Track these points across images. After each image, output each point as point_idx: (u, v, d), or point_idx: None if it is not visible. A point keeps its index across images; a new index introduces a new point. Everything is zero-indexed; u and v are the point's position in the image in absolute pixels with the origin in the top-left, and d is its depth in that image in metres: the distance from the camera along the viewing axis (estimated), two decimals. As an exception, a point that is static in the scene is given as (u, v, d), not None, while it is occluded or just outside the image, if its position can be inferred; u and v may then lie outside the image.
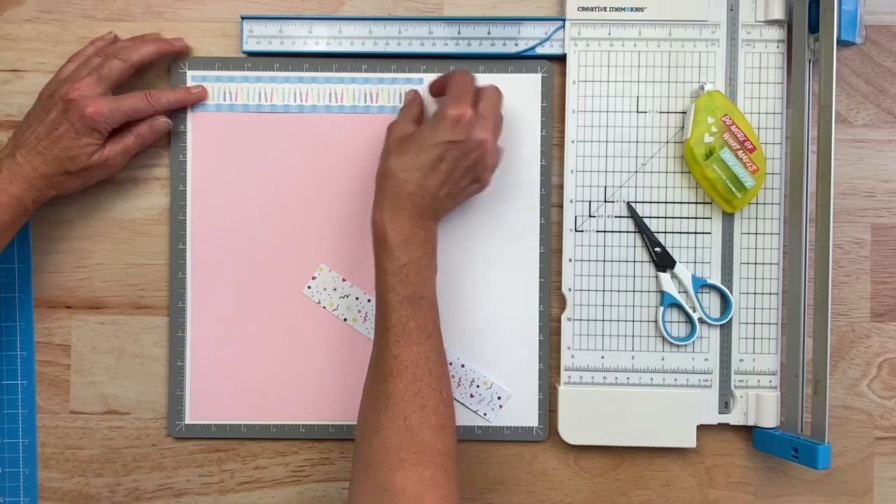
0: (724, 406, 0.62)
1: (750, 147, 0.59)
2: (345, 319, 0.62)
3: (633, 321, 0.62)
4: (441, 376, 0.53)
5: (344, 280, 0.62)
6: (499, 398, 0.62)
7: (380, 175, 0.56)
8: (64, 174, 0.57)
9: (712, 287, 0.61)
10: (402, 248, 0.54)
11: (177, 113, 0.62)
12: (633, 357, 0.62)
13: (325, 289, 0.62)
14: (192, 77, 0.62)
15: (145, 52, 0.59)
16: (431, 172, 0.55)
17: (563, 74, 0.62)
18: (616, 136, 0.62)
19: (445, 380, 0.54)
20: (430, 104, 0.62)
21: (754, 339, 0.61)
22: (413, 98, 0.61)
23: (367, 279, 0.62)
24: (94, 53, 0.60)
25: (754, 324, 0.61)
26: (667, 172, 0.61)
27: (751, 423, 0.61)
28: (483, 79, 0.62)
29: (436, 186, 0.55)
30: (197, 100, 0.62)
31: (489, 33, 0.61)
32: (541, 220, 0.62)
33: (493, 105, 0.57)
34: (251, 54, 0.62)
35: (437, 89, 0.60)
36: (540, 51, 0.61)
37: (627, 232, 0.62)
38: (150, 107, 0.59)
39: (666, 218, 0.61)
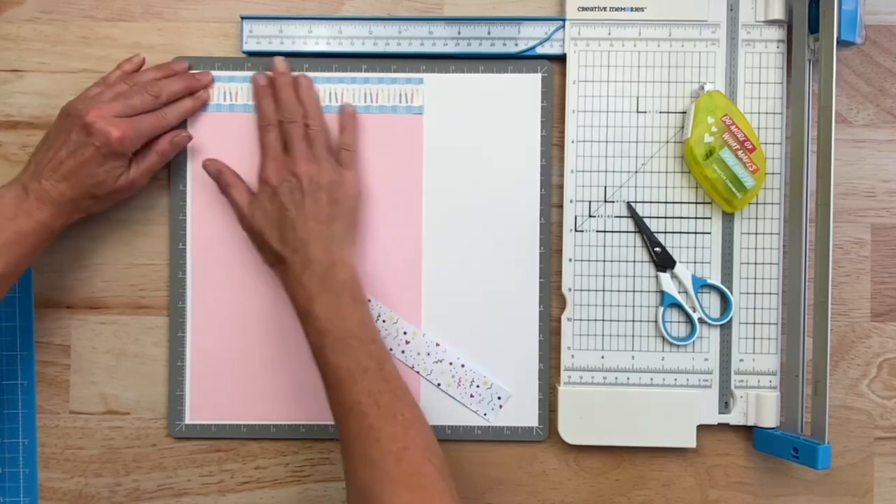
0: (724, 406, 0.62)
1: (750, 147, 0.59)
2: (345, 319, 0.62)
3: (633, 321, 0.62)
4: (391, 403, 0.53)
5: (344, 280, 0.62)
6: (499, 398, 0.62)
7: (276, 264, 0.59)
8: (91, 198, 0.57)
9: (712, 287, 0.61)
10: (313, 307, 0.55)
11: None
12: (633, 357, 0.62)
13: (325, 289, 0.62)
14: (192, 77, 0.62)
15: (175, 90, 0.59)
16: (302, 221, 0.57)
17: (563, 74, 0.62)
18: (616, 136, 0.62)
19: (400, 403, 0.53)
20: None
21: (754, 339, 0.61)
22: (225, 180, 0.61)
23: (367, 279, 0.62)
24: (121, 79, 0.59)
25: (754, 324, 0.61)
26: (667, 172, 0.61)
27: (751, 423, 0.61)
28: (483, 79, 0.62)
29: (316, 227, 0.57)
30: (202, 104, 0.61)
31: (489, 33, 0.61)
32: (541, 220, 0.62)
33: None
34: (251, 54, 0.62)
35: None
36: (540, 51, 0.61)
37: (627, 232, 0.62)
38: (167, 123, 0.59)
39: (666, 218, 0.61)
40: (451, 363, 0.62)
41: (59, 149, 0.56)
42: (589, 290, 0.62)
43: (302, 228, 0.56)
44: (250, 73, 0.62)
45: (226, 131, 0.62)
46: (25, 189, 0.55)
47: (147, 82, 0.59)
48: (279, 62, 0.60)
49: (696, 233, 0.62)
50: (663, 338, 0.61)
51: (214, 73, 0.62)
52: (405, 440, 0.51)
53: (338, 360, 0.54)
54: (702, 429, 0.61)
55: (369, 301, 0.62)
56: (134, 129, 0.57)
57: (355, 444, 0.52)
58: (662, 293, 0.61)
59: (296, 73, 0.61)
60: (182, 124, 0.62)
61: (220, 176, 0.61)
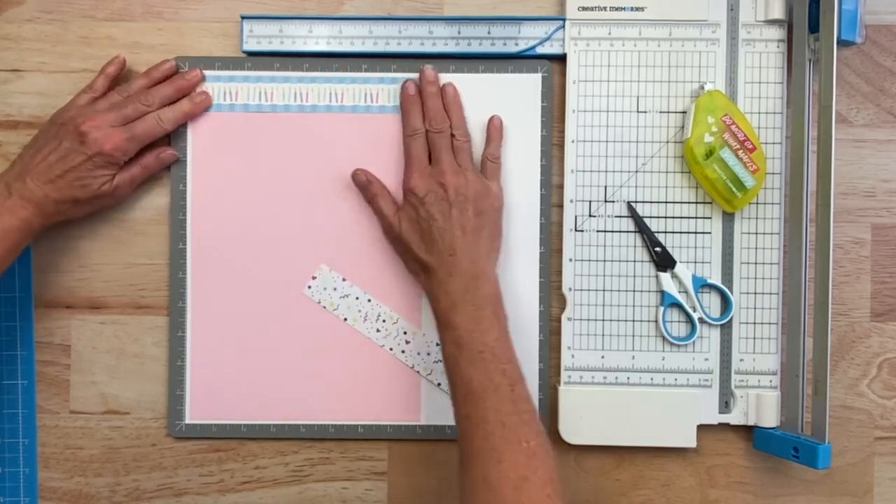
0: (725, 406, 0.62)
1: (750, 147, 0.59)
2: (345, 319, 0.62)
3: (634, 321, 0.62)
4: (517, 426, 0.51)
5: (344, 280, 0.62)
6: None
7: (420, 271, 0.59)
8: (73, 202, 0.58)
9: (712, 287, 0.61)
10: (453, 316, 0.55)
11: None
12: (633, 357, 0.62)
13: (325, 289, 0.62)
14: (192, 77, 0.62)
15: (167, 95, 0.60)
16: (449, 232, 0.57)
17: (563, 74, 0.62)
18: (616, 136, 0.62)
19: (527, 428, 0.51)
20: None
21: (754, 338, 0.61)
22: (371, 189, 0.61)
23: (367, 279, 0.62)
24: (106, 84, 0.60)
25: (754, 324, 0.61)
26: (667, 172, 0.61)
27: (751, 422, 0.61)
28: (483, 79, 0.62)
29: (463, 238, 0.57)
30: (203, 108, 0.61)
31: (489, 33, 0.61)
32: (541, 220, 0.62)
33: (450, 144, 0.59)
34: (251, 54, 0.62)
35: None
36: (540, 51, 0.61)
37: (627, 232, 0.62)
38: (162, 129, 0.59)
39: (666, 218, 0.61)
40: None
41: (49, 154, 0.57)
42: (589, 290, 0.62)
43: (448, 238, 0.56)
44: (250, 73, 0.62)
45: (226, 131, 0.62)
46: (9, 188, 0.56)
47: (138, 92, 0.59)
48: (429, 71, 0.60)
49: (696, 233, 0.61)
50: (663, 338, 0.61)
51: (214, 72, 0.62)
52: (527, 469, 0.50)
53: (470, 373, 0.53)
54: (702, 429, 0.61)
55: (369, 301, 0.62)
56: (128, 137, 0.57)
57: (475, 461, 0.50)
58: (662, 293, 0.61)
59: (444, 81, 0.61)
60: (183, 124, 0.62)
61: (368, 186, 0.61)
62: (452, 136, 0.59)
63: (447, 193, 0.57)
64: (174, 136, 0.62)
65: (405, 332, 0.62)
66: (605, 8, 0.61)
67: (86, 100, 0.59)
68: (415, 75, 0.62)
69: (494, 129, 0.61)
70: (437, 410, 0.62)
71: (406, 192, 0.59)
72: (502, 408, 0.52)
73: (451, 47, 0.61)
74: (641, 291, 0.62)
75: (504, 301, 0.57)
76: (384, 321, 0.62)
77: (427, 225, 0.57)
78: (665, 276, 0.61)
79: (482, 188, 0.58)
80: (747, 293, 0.61)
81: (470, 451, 0.51)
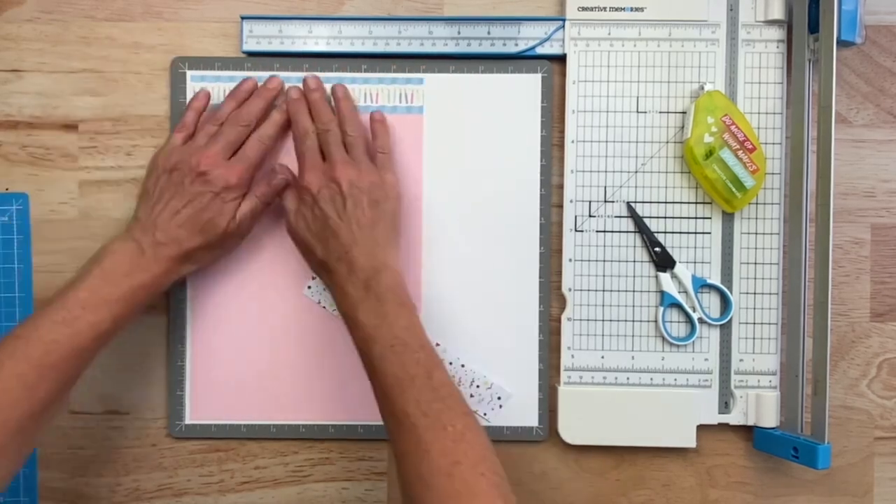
0: (724, 406, 0.62)
1: (750, 147, 0.59)
2: (345, 319, 0.62)
3: (633, 321, 0.62)
4: (440, 412, 0.50)
5: (344, 280, 0.62)
6: (499, 398, 0.62)
7: (321, 271, 0.58)
8: (206, 247, 0.57)
9: (712, 287, 0.61)
10: (358, 314, 0.54)
11: (177, 113, 0.62)
12: (633, 357, 0.62)
13: (325, 289, 0.62)
14: (192, 77, 0.62)
15: (258, 110, 0.59)
16: (346, 227, 0.56)
17: (563, 74, 0.62)
18: (616, 136, 0.62)
19: (451, 413, 0.50)
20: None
21: (754, 339, 0.61)
22: (283, 188, 0.60)
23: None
24: (196, 117, 0.60)
25: (754, 324, 0.61)
26: (667, 172, 0.62)
27: (751, 423, 0.61)
28: (483, 79, 0.62)
29: (359, 232, 0.56)
30: (288, 116, 0.61)
31: (489, 33, 0.61)
32: (541, 220, 0.62)
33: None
34: (251, 54, 0.62)
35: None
36: (540, 51, 0.61)
37: (627, 232, 0.62)
38: (268, 145, 0.59)
39: (666, 218, 0.61)
40: (450, 363, 0.62)
41: (171, 200, 0.56)
42: (589, 290, 0.62)
43: (345, 234, 0.56)
44: (250, 73, 0.62)
45: (226, 131, 0.62)
46: (140, 245, 0.55)
47: (231, 115, 0.59)
48: (310, 80, 0.61)
49: (696, 233, 0.62)
50: (663, 338, 0.61)
51: (214, 72, 0.62)
52: (456, 454, 0.48)
53: (384, 367, 0.52)
54: (702, 429, 0.61)
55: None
56: (245, 164, 0.57)
57: (406, 458, 0.49)
58: (662, 293, 0.61)
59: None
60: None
61: (284, 183, 0.60)
62: (343, 132, 0.59)
63: (340, 187, 0.56)
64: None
65: (405, 333, 0.62)
66: (604, 8, 0.61)
67: (181, 139, 0.58)
68: (415, 75, 0.62)
69: (377, 124, 0.61)
70: (437, 410, 0.62)
71: (300, 191, 0.58)
72: (422, 397, 0.50)
73: (451, 47, 0.61)
74: (641, 291, 0.62)
75: (409, 287, 0.56)
76: (384, 321, 0.62)
77: (322, 223, 0.56)
78: (665, 277, 0.61)
79: (377, 179, 0.58)
80: (747, 293, 0.61)
81: (399, 450, 0.50)
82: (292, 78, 0.62)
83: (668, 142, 0.62)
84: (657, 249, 0.61)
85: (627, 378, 0.61)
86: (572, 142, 0.62)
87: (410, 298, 0.56)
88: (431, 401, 0.50)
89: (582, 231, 0.62)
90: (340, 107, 0.60)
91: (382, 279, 0.55)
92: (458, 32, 0.61)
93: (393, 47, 0.61)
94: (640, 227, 0.61)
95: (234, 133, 0.58)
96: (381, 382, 0.52)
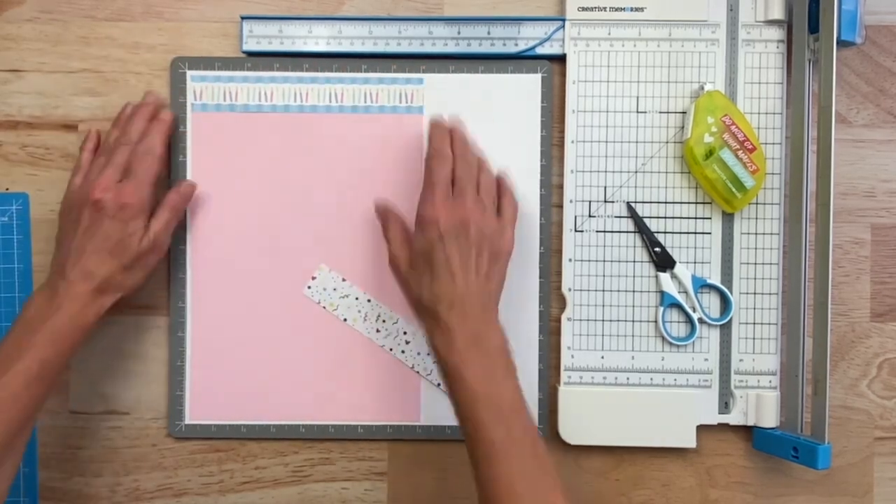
0: (724, 406, 0.62)
1: (750, 147, 0.59)
2: (345, 319, 0.62)
3: (633, 321, 0.62)
4: (546, 490, 0.49)
5: (344, 280, 0.62)
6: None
7: (424, 314, 0.54)
8: (121, 270, 0.56)
9: (712, 287, 0.61)
10: (464, 369, 0.51)
11: (177, 113, 0.62)
12: (633, 357, 0.62)
13: (324, 289, 0.62)
14: (192, 77, 0.62)
15: (140, 126, 0.59)
16: (463, 273, 0.53)
17: (563, 74, 0.62)
18: (616, 136, 0.62)
19: (555, 492, 0.49)
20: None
21: (754, 339, 0.61)
22: (386, 217, 0.58)
23: (367, 279, 0.62)
24: (90, 156, 0.59)
25: (754, 324, 0.61)
26: (667, 172, 0.62)
27: (751, 423, 0.61)
28: (483, 79, 0.62)
29: (476, 282, 0.53)
30: (171, 114, 0.60)
31: (489, 33, 0.61)
32: (541, 220, 0.62)
33: (476, 179, 0.56)
34: (251, 54, 0.62)
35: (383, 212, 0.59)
36: (540, 51, 0.61)
37: (627, 232, 0.62)
38: (156, 156, 0.58)
39: (666, 218, 0.61)
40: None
41: (74, 237, 0.55)
42: (589, 290, 0.62)
43: (462, 281, 0.53)
44: (250, 73, 0.62)
45: (226, 131, 0.62)
46: (54, 288, 0.54)
47: (115, 140, 0.58)
48: (454, 119, 0.59)
49: (696, 233, 0.62)
50: (663, 338, 0.61)
51: (214, 72, 0.62)
52: None
53: (489, 431, 0.50)
54: (702, 429, 0.61)
55: (369, 301, 0.62)
56: (136, 180, 0.56)
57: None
58: (662, 293, 0.61)
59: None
60: (182, 124, 0.62)
61: (384, 213, 0.58)
62: (479, 175, 0.56)
63: (468, 230, 0.53)
64: (174, 137, 0.62)
65: (405, 332, 0.62)
66: (604, 8, 0.61)
67: (78, 181, 0.58)
68: (415, 75, 0.62)
69: (505, 180, 0.58)
70: (437, 410, 0.62)
71: (423, 222, 0.54)
72: (526, 468, 0.49)
73: (451, 47, 0.61)
74: (641, 292, 0.62)
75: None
76: (384, 321, 0.62)
77: (442, 263, 0.53)
78: (665, 277, 0.61)
79: (500, 231, 0.55)
80: (747, 293, 0.61)
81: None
82: (292, 78, 0.62)
83: (668, 142, 0.62)
84: (657, 249, 0.61)
85: (627, 378, 0.61)
86: (572, 142, 0.62)
87: (514, 361, 0.54)
88: (537, 475, 0.49)
89: (582, 231, 0.62)
90: (476, 151, 0.58)
91: (492, 337, 0.53)
92: (458, 32, 0.61)
93: (393, 47, 0.61)
94: (640, 227, 0.61)
95: (121, 155, 0.57)
96: (485, 446, 0.50)
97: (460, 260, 0.53)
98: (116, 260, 0.55)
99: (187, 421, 0.62)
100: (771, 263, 0.61)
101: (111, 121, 0.62)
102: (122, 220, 0.55)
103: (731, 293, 0.61)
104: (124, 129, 0.59)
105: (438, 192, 0.54)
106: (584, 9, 0.61)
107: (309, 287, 0.62)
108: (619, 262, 0.62)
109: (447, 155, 0.56)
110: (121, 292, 0.57)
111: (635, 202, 0.62)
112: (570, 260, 0.62)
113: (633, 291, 0.62)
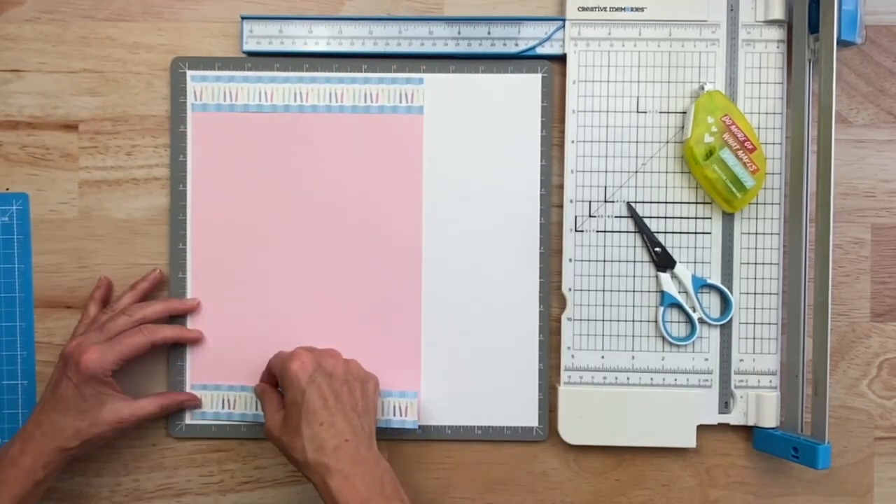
0: (724, 406, 0.62)
1: (750, 147, 0.59)
2: (344, 320, 0.62)
3: (633, 321, 0.62)
4: None
5: (343, 282, 0.62)
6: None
7: (310, 471, 0.52)
8: (73, 435, 0.55)
9: (712, 287, 0.61)
10: None
11: (177, 113, 0.62)
12: (633, 357, 0.62)
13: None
14: (192, 77, 0.62)
15: (153, 311, 0.59)
16: (335, 415, 0.53)
17: (563, 74, 0.62)
18: (616, 136, 0.62)
19: None
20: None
21: (754, 339, 0.61)
22: (263, 392, 0.58)
23: (366, 279, 0.62)
24: (99, 308, 0.60)
25: (754, 324, 0.61)
26: (667, 172, 0.62)
27: (751, 423, 0.61)
28: (483, 79, 0.62)
29: (348, 421, 0.53)
30: (193, 339, 0.61)
31: (489, 33, 0.61)
32: (541, 220, 0.62)
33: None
34: (251, 54, 0.62)
35: (269, 376, 0.59)
36: (540, 51, 0.61)
37: (627, 232, 0.62)
38: (146, 339, 0.57)
39: (666, 218, 0.61)
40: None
41: (45, 391, 0.57)
42: (589, 290, 0.62)
43: (343, 422, 0.53)
44: (250, 73, 0.62)
45: (226, 131, 0.62)
46: (19, 439, 0.55)
47: (124, 307, 0.59)
48: None
49: (696, 233, 0.62)
50: (663, 338, 0.61)
51: (214, 73, 0.62)
52: None
53: None
54: (702, 429, 0.61)
55: (367, 300, 0.62)
56: (106, 350, 0.56)
57: None
58: (662, 293, 0.61)
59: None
60: (183, 124, 0.62)
61: (262, 393, 0.58)
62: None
63: (335, 371, 0.55)
64: (174, 137, 0.62)
65: (405, 333, 0.62)
66: (604, 8, 0.61)
67: (82, 329, 0.59)
68: (415, 75, 0.62)
69: None
70: (437, 410, 0.62)
71: (288, 380, 0.54)
72: None
73: (451, 47, 0.61)
74: (641, 291, 0.62)
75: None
76: (384, 321, 0.62)
77: (319, 406, 0.53)
78: (665, 277, 0.61)
79: (363, 372, 0.57)
80: (747, 293, 0.61)
81: None
82: (292, 78, 0.62)
83: (668, 142, 0.62)
84: (657, 249, 0.61)
85: (627, 378, 0.61)
86: (572, 142, 0.62)
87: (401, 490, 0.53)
88: None
89: (582, 231, 0.62)
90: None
91: (384, 476, 0.53)
92: (458, 32, 0.61)
93: (393, 47, 0.61)
94: (640, 227, 0.61)
95: (112, 324, 0.58)
96: None
97: (334, 399, 0.54)
98: (70, 422, 0.55)
99: (187, 421, 0.62)
100: (771, 263, 0.61)
101: (111, 121, 0.63)
102: (75, 384, 0.55)
103: (732, 293, 0.61)
104: (138, 304, 0.59)
105: (295, 353, 0.55)
106: (584, 9, 0.61)
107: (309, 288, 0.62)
108: (620, 262, 0.62)
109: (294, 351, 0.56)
110: (83, 451, 0.57)
111: (635, 202, 0.62)
112: (570, 260, 0.62)
113: (634, 291, 0.62)
